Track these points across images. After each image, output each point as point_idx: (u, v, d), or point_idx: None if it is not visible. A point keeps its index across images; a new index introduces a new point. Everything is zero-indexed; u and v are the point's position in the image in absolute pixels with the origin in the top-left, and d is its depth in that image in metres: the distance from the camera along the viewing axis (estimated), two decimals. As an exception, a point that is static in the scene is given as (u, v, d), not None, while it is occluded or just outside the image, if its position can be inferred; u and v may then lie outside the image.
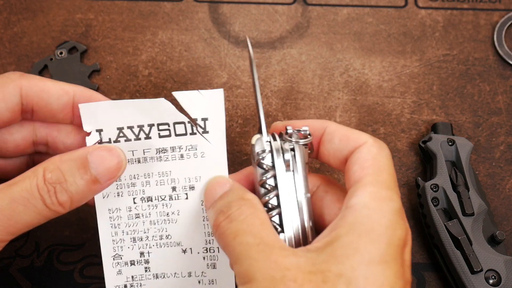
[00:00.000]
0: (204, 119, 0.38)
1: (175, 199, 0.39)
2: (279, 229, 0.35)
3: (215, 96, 0.37)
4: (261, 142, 0.36)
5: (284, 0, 0.57)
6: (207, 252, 0.40)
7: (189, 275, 0.40)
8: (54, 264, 0.46)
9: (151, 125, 0.37)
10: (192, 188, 0.39)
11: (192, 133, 0.38)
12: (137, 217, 0.39)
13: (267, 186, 0.36)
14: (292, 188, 0.36)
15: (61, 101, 0.38)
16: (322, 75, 0.54)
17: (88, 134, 0.37)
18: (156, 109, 0.37)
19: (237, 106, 0.52)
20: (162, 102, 0.37)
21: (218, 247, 0.40)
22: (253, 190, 0.37)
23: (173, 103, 0.37)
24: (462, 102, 0.52)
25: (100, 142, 0.37)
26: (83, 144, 0.38)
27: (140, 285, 0.40)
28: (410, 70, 0.54)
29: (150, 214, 0.39)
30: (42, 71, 0.54)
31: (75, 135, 0.40)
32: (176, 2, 0.56)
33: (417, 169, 0.50)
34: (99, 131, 0.37)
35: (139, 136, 0.38)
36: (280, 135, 0.37)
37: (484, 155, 0.50)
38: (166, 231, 0.39)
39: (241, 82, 0.53)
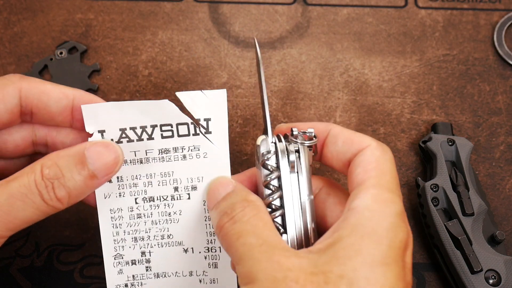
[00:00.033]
0: (207, 120, 0.38)
1: (177, 199, 0.39)
2: (282, 230, 0.35)
3: (218, 97, 0.38)
4: (267, 143, 0.37)
5: (284, 0, 0.57)
6: (208, 251, 0.40)
7: (190, 274, 0.40)
8: (54, 264, 0.46)
9: (153, 126, 0.37)
10: (194, 188, 0.39)
11: (195, 134, 0.38)
12: (139, 217, 0.39)
13: (271, 187, 0.36)
14: (296, 190, 0.36)
15: (60, 104, 0.38)
16: (322, 75, 0.54)
17: (90, 135, 0.37)
18: (159, 110, 0.37)
19: (237, 106, 0.52)
20: (166, 103, 0.37)
21: (219, 247, 0.40)
22: (255, 191, 0.37)
23: (175, 104, 0.37)
24: (462, 102, 0.52)
25: None
26: None
27: (141, 284, 0.40)
28: (410, 70, 0.54)
29: (151, 214, 0.39)
30: (42, 71, 0.54)
31: (74, 135, 0.40)
32: (176, 2, 0.56)
33: (417, 169, 0.50)
34: (101, 132, 0.37)
35: (142, 137, 0.38)
36: (285, 137, 0.37)
37: (484, 155, 0.50)
38: (168, 231, 0.40)
39: (241, 82, 0.53)
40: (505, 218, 0.48)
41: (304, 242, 0.36)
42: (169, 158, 0.38)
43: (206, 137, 0.38)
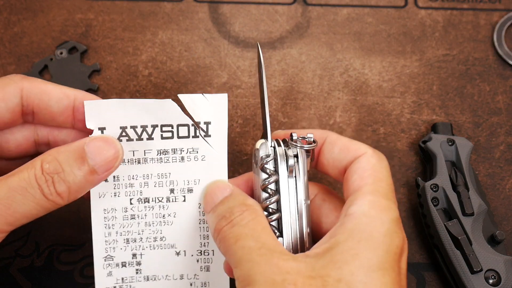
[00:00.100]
0: (207, 123, 0.38)
1: (173, 201, 0.39)
2: (277, 233, 0.36)
3: (219, 101, 0.38)
4: (266, 147, 0.37)
5: (284, 0, 0.57)
6: (201, 254, 0.40)
7: (181, 277, 0.40)
8: (54, 264, 0.46)
9: (154, 126, 0.37)
10: (190, 190, 0.39)
11: (195, 136, 0.38)
12: (132, 218, 0.39)
13: (269, 190, 0.36)
14: (293, 194, 0.36)
15: (61, 104, 0.38)
16: (322, 75, 0.54)
17: (91, 132, 0.37)
18: (161, 110, 0.37)
19: (237, 106, 0.52)
20: (169, 103, 0.37)
21: (213, 250, 0.40)
22: (252, 196, 0.38)
23: (177, 105, 0.37)
24: (462, 102, 0.52)
25: None
26: None
27: (130, 287, 0.40)
28: (410, 70, 0.54)
29: (146, 215, 0.39)
30: (42, 71, 0.54)
31: (76, 135, 0.40)
32: (176, 2, 0.56)
33: (417, 169, 0.50)
34: (102, 129, 0.37)
35: (141, 137, 0.38)
36: (284, 141, 0.38)
37: (484, 155, 0.50)
38: (161, 233, 0.39)
39: (241, 82, 0.53)
40: (505, 218, 0.48)
41: (299, 246, 0.36)
42: (167, 160, 0.38)
43: (205, 140, 0.38)
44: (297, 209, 0.36)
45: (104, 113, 0.37)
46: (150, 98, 0.37)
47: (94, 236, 0.39)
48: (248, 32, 0.56)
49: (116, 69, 0.54)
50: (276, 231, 0.36)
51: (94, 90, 0.52)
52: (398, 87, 0.53)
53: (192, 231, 0.40)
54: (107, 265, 0.39)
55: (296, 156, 0.37)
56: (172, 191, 0.39)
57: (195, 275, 0.40)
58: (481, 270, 0.43)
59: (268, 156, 0.36)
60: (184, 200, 0.39)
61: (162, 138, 0.38)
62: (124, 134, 0.37)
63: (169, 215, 0.39)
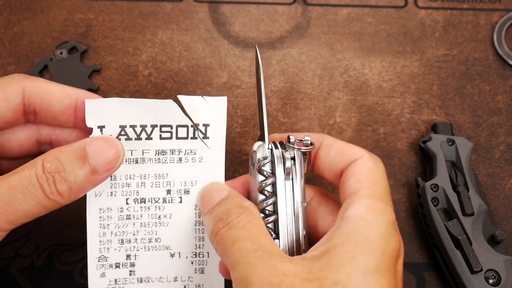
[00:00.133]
0: (206, 125, 0.38)
1: (169, 202, 0.39)
2: (274, 235, 0.36)
3: (218, 103, 0.38)
4: (263, 149, 0.37)
5: (284, 0, 0.57)
6: (196, 256, 0.40)
7: (175, 279, 0.40)
8: (54, 264, 0.46)
9: (154, 126, 0.37)
10: (187, 192, 0.39)
11: (193, 138, 0.38)
12: (128, 218, 0.39)
13: (265, 192, 0.36)
14: (290, 197, 0.36)
15: (62, 103, 0.38)
16: (322, 75, 0.54)
17: (91, 131, 0.37)
18: (161, 110, 0.37)
19: (237, 106, 0.52)
20: (169, 103, 0.37)
21: (208, 252, 0.40)
22: (249, 198, 0.38)
23: (177, 106, 0.37)
24: (462, 102, 0.52)
25: None
26: None
27: None
28: (410, 70, 0.54)
29: (141, 216, 0.39)
30: (42, 71, 0.54)
31: (78, 135, 0.40)
32: (176, 2, 0.56)
33: (417, 169, 0.50)
34: (101, 127, 0.37)
35: (140, 136, 0.38)
36: (281, 144, 0.38)
37: (484, 155, 0.50)
38: (156, 234, 0.39)
39: (241, 82, 0.53)
40: (505, 218, 0.48)
41: (296, 248, 0.36)
42: (165, 160, 0.38)
43: (203, 141, 0.38)
44: (294, 211, 0.36)
45: (105, 112, 0.37)
46: (150, 98, 0.37)
47: (89, 235, 0.39)
48: (248, 32, 0.56)
49: (116, 69, 0.54)
50: (272, 233, 0.36)
51: (94, 90, 0.52)
52: (398, 87, 0.53)
53: (187, 233, 0.39)
54: (101, 265, 0.39)
55: (293, 158, 0.37)
56: (168, 192, 0.39)
57: (189, 277, 0.40)
58: (481, 270, 0.43)
59: (265, 158, 0.37)
60: (181, 202, 0.39)
61: (161, 138, 0.38)
62: (123, 133, 0.37)
63: (165, 216, 0.39)
